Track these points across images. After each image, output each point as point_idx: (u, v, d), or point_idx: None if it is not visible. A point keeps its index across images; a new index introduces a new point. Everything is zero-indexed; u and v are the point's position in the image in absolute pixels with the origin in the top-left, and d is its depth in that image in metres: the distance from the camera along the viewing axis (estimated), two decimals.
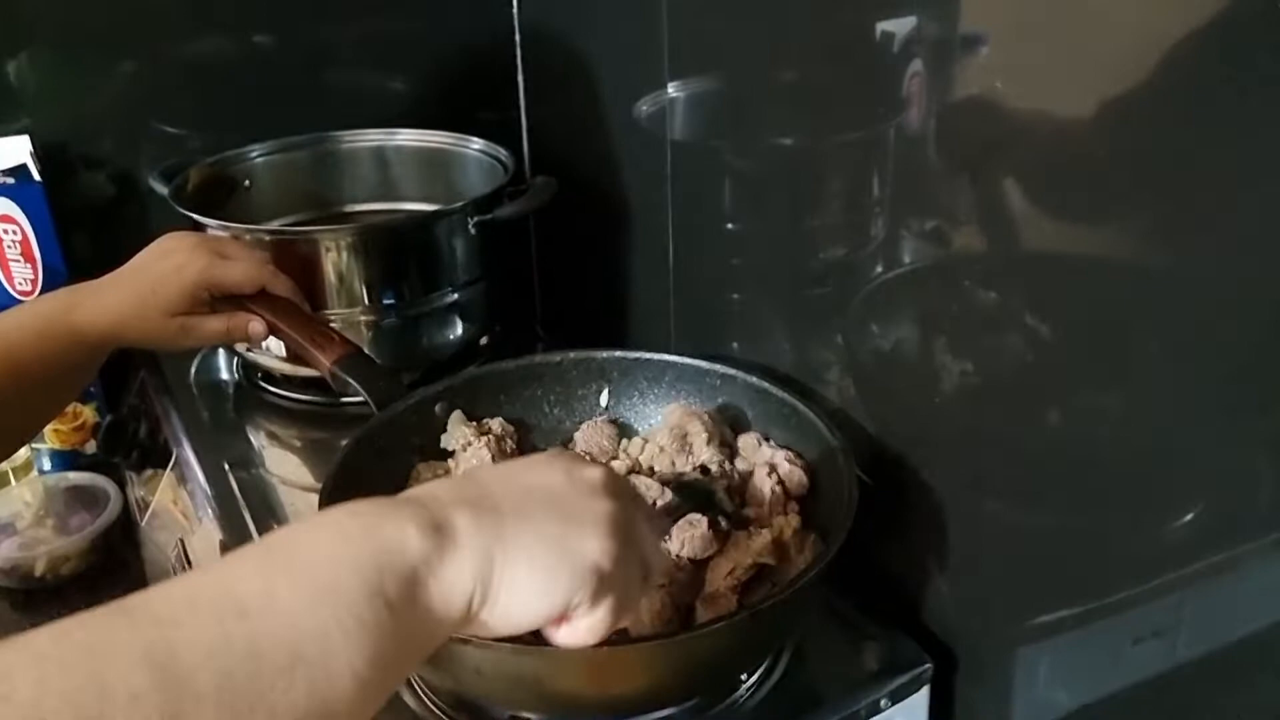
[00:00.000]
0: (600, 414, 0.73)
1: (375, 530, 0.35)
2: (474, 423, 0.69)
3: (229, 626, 0.31)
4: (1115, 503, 0.51)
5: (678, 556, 0.58)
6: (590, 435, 0.71)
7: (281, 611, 0.32)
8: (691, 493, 0.63)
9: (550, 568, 0.39)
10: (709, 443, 0.66)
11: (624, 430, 0.72)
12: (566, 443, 0.72)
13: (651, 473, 0.67)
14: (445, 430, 0.69)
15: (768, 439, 0.68)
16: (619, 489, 0.43)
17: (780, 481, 0.63)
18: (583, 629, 0.41)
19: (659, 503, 0.61)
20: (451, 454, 0.68)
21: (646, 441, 0.69)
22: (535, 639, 0.42)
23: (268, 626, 0.31)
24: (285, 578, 0.33)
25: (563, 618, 0.40)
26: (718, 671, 0.55)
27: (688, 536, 0.58)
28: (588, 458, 0.68)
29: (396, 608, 0.34)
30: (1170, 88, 0.43)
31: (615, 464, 0.68)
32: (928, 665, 0.60)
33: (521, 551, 0.38)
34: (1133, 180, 0.46)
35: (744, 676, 0.59)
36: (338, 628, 0.32)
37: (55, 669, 0.28)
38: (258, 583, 0.33)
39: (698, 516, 0.59)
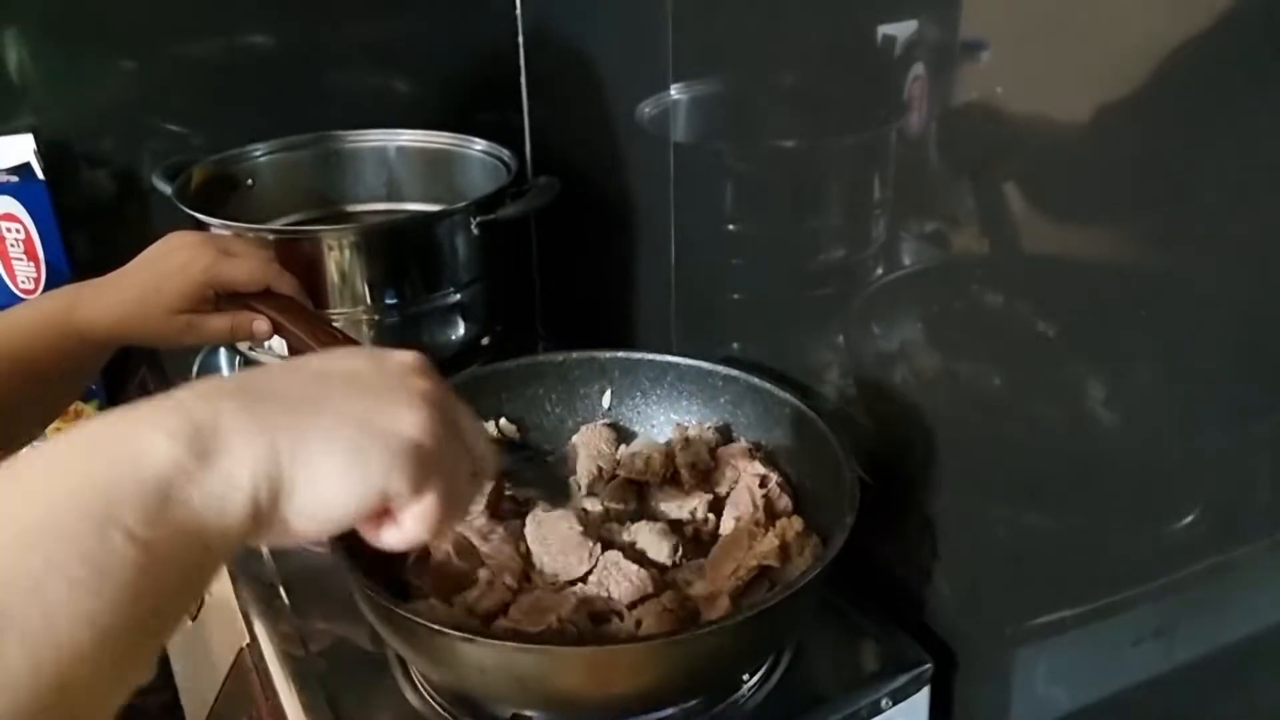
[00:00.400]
0: (601, 416, 0.73)
1: (105, 449, 0.30)
2: None
3: None
4: (1115, 504, 0.51)
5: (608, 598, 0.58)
6: (589, 439, 0.71)
7: None
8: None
9: (357, 447, 0.33)
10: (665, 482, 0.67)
11: (623, 435, 0.73)
12: (566, 445, 0.72)
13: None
14: None
15: (758, 449, 0.68)
16: (435, 372, 0.38)
17: (766, 496, 0.63)
18: (409, 522, 0.36)
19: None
20: None
21: (635, 454, 0.69)
22: (362, 547, 0.38)
23: None
24: None
25: (384, 515, 0.36)
26: (719, 671, 0.55)
27: (617, 578, 0.58)
28: None
29: (139, 535, 0.29)
30: (1171, 92, 0.43)
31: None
32: (928, 665, 0.61)
33: (318, 434, 0.33)
34: (1132, 184, 0.46)
35: (745, 676, 0.59)
36: (55, 574, 0.27)
37: None
38: None
39: (623, 560, 0.59)
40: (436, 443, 0.35)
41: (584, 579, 0.59)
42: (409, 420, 0.35)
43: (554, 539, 0.61)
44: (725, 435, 0.70)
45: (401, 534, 0.36)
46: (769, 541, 0.58)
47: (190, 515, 0.30)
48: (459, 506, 0.38)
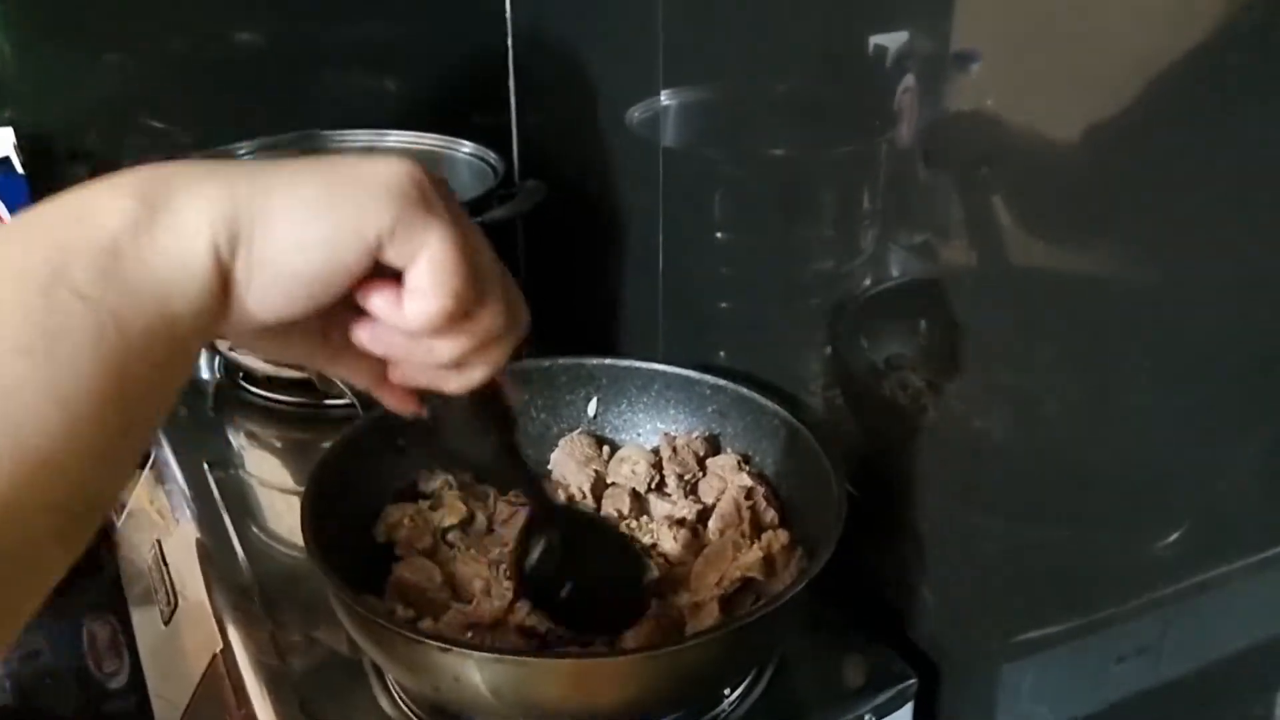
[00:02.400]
0: (587, 423, 0.73)
1: (51, 217, 0.28)
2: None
3: None
4: (1101, 521, 0.51)
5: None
6: (570, 449, 0.70)
7: None
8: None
9: (326, 186, 0.29)
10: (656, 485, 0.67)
11: (608, 444, 0.72)
12: (550, 451, 0.71)
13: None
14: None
15: (747, 461, 0.67)
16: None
17: (752, 508, 0.63)
18: (421, 278, 0.30)
19: None
20: (428, 496, 0.67)
21: (624, 461, 0.69)
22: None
23: None
24: None
25: (388, 284, 0.31)
26: (702, 684, 0.55)
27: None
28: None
29: (90, 295, 0.26)
30: (1161, 105, 0.43)
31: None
32: (912, 680, 0.60)
33: (280, 181, 0.29)
34: (1122, 198, 0.46)
35: (727, 690, 0.58)
36: (3, 345, 0.25)
37: None
38: None
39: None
40: (424, 189, 0.30)
41: None
42: (391, 168, 0.30)
43: None
44: (714, 446, 0.70)
45: (420, 298, 0.30)
46: (754, 554, 0.58)
47: (145, 271, 0.27)
48: (479, 266, 0.32)
